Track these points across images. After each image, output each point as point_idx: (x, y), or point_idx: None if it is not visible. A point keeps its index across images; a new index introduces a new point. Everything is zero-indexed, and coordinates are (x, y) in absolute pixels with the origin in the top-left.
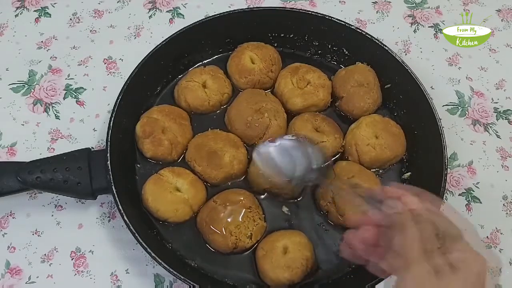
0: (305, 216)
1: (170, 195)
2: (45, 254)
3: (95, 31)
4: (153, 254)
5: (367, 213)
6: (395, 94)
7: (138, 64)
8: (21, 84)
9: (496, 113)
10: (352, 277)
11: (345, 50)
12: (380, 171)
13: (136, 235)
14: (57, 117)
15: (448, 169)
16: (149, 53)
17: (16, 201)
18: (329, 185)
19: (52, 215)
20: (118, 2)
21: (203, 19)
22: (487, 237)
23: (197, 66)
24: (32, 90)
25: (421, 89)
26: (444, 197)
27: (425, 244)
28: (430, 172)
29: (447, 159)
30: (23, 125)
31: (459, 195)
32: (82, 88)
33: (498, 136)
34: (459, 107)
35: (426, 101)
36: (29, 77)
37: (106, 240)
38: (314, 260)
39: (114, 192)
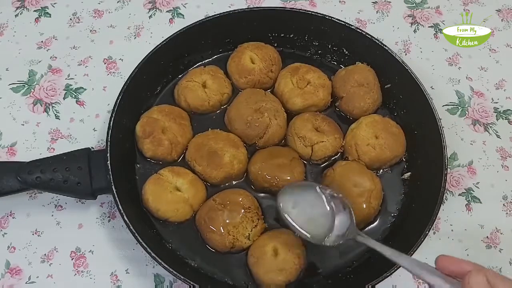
0: None
1: (170, 194)
2: (45, 254)
3: (95, 31)
4: (153, 254)
5: None
6: (395, 94)
7: (138, 64)
8: (21, 84)
9: (496, 113)
10: (352, 277)
11: (345, 50)
12: (380, 171)
13: (136, 235)
14: (57, 117)
15: (448, 169)
16: (149, 53)
17: (16, 201)
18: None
19: (52, 215)
20: (118, 2)
21: (203, 19)
22: (487, 237)
23: (197, 66)
24: (32, 90)
25: (421, 89)
26: (444, 197)
27: None
28: (430, 172)
29: (447, 159)
30: (23, 125)
31: (459, 195)
32: (82, 88)
33: (498, 136)
34: (459, 107)
35: (426, 101)
36: (29, 77)
37: (106, 240)
38: (306, 254)
39: (114, 192)
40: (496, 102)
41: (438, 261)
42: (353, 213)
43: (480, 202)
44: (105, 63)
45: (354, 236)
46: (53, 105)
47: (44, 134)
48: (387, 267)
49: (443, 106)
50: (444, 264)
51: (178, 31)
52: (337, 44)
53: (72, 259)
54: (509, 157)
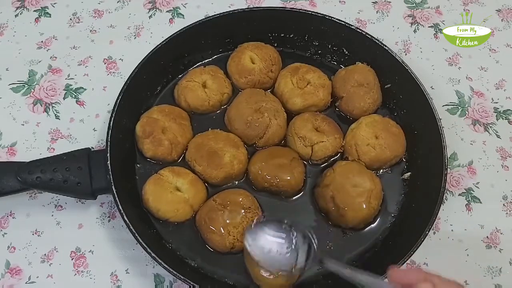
0: (305, 216)
1: (170, 195)
2: (45, 254)
3: (95, 31)
4: (153, 254)
5: None
6: (395, 94)
7: (138, 64)
8: (21, 84)
9: (496, 113)
10: None
11: (345, 50)
12: (380, 171)
13: (136, 235)
14: (57, 117)
15: (448, 169)
16: (149, 53)
17: (16, 201)
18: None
19: (52, 215)
20: (118, 2)
21: (203, 19)
22: (487, 237)
23: (197, 66)
24: (32, 90)
25: (421, 89)
26: (444, 197)
27: None
28: (430, 172)
29: (447, 159)
30: (23, 125)
31: (459, 195)
32: (82, 88)
33: (498, 136)
34: (459, 107)
35: (426, 101)
36: (29, 77)
37: (106, 240)
38: None
39: (114, 192)
40: (496, 102)
41: (390, 274)
42: (313, 242)
43: (480, 202)
44: (105, 63)
45: (318, 263)
46: (53, 105)
47: (44, 134)
48: (387, 267)
49: (443, 106)
50: (396, 276)
51: (178, 31)
52: (337, 44)
53: (72, 259)
54: (509, 157)
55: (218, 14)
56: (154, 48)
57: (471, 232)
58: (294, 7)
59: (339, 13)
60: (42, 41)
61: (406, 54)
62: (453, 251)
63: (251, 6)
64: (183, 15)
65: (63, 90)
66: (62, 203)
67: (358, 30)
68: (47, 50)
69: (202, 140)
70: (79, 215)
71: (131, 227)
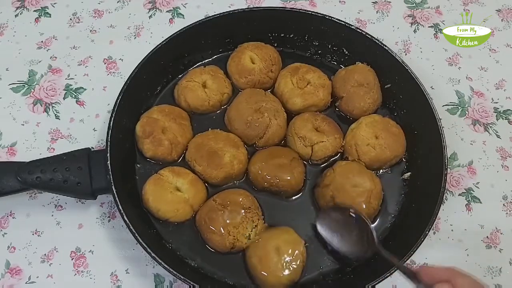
0: (305, 216)
1: (170, 195)
2: (45, 254)
3: (95, 31)
4: (153, 254)
5: None
6: (395, 94)
7: (138, 64)
8: (21, 84)
9: (496, 113)
10: (352, 277)
11: (345, 50)
12: (380, 171)
13: (136, 235)
14: (57, 117)
15: (448, 169)
16: (149, 53)
17: (16, 201)
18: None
19: (52, 215)
20: (118, 2)
21: (203, 19)
22: (487, 237)
23: (197, 66)
24: (32, 90)
25: (421, 89)
26: (444, 197)
27: None
28: (430, 172)
29: (447, 159)
30: (23, 125)
31: (459, 195)
32: (82, 88)
33: (498, 136)
34: (459, 107)
35: (426, 101)
36: (29, 77)
37: (106, 240)
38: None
39: (114, 192)
40: (496, 102)
41: (421, 273)
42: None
43: (480, 202)
44: (105, 63)
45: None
46: (53, 105)
47: (44, 134)
48: (387, 268)
49: (443, 106)
50: (426, 274)
51: (178, 31)
52: (337, 44)
53: (72, 259)
54: (509, 157)
55: (218, 14)
56: (154, 48)
57: (471, 232)
58: (294, 7)
59: (339, 13)
60: (42, 41)
61: (406, 54)
62: (453, 251)
63: (251, 6)
64: (183, 15)
65: (63, 90)
66: (62, 203)
67: (358, 30)
68: (47, 50)
69: (202, 140)
70: (79, 215)
71: (131, 227)
